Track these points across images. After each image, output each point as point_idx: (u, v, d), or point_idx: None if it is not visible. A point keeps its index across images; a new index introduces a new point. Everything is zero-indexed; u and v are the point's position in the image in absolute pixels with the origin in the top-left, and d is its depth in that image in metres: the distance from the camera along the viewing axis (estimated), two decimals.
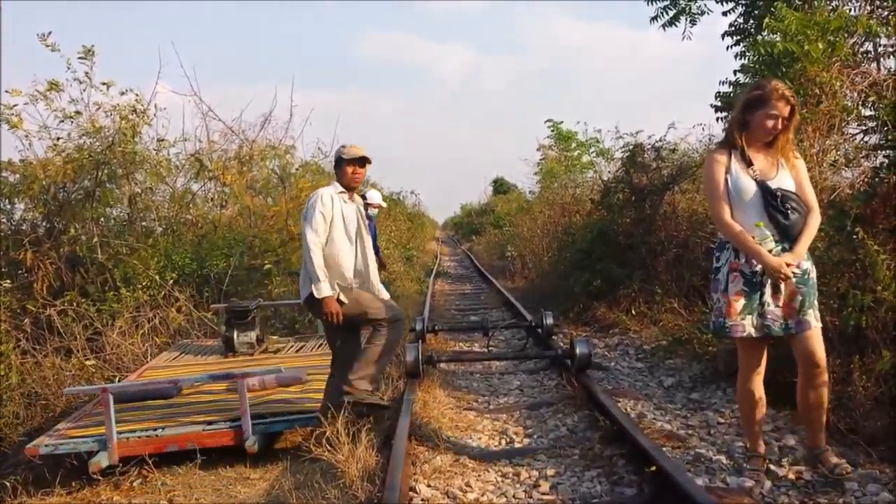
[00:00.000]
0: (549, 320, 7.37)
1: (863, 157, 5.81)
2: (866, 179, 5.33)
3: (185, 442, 4.27)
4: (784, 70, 6.21)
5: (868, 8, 6.89)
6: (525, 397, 5.75)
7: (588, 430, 4.66)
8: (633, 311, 8.28)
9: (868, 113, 6.07)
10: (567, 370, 5.97)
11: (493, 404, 5.55)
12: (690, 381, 5.69)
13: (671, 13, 8.83)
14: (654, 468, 3.53)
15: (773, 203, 3.39)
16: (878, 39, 6.77)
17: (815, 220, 3.46)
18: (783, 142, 3.49)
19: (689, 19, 8.88)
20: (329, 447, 3.95)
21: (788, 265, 3.34)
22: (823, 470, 3.50)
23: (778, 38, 6.33)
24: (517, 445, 4.54)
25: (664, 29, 8.96)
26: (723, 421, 4.63)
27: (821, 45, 5.97)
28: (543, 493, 3.70)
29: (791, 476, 3.61)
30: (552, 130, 17.31)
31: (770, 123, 3.42)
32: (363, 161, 4.84)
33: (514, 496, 3.69)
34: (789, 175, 3.48)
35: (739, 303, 3.44)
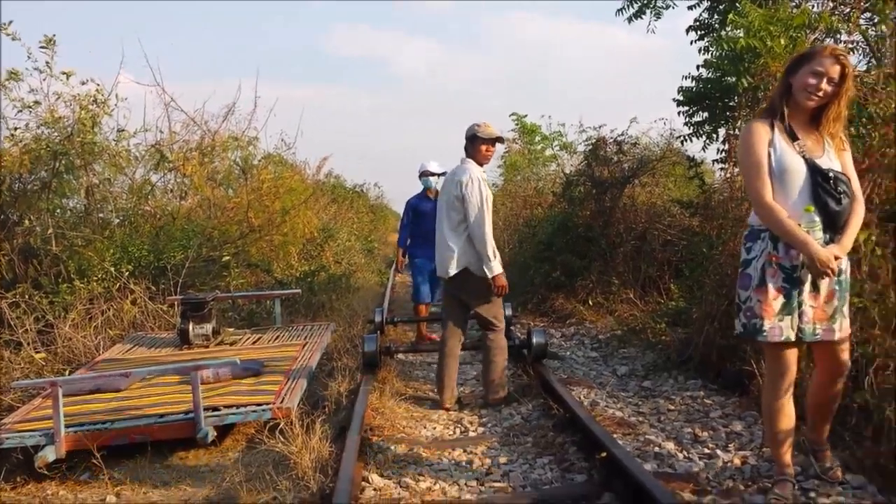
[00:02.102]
0: (508, 311, 7.38)
1: None
2: None
3: (136, 435, 4.21)
4: (747, 65, 6.29)
5: (830, 4, 6.99)
6: (481, 387, 5.77)
7: (542, 418, 4.70)
8: (591, 302, 8.39)
9: None
10: (524, 360, 6.01)
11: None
12: (643, 370, 5.77)
13: (636, 6, 8.88)
14: (604, 455, 3.57)
15: (825, 185, 2.92)
16: (839, 36, 6.87)
17: (862, 211, 3.02)
18: (833, 115, 2.99)
19: (653, 13, 8.94)
20: (282, 438, 3.94)
21: (837, 258, 2.90)
22: (815, 467, 3.28)
23: (741, 34, 6.39)
24: (471, 434, 4.56)
25: (629, 22, 9.01)
26: (673, 408, 4.70)
27: (783, 42, 6.03)
28: (495, 481, 3.72)
29: (737, 461, 3.67)
30: (516, 124, 17.32)
31: (813, 81, 2.93)
32: (495, 141, 5.17)
33: (466, 484, 3.70)
34: (836, 157, 3.03)
35: (778, 301, 2.96)
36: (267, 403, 4.47)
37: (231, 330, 6.92)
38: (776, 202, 2.95)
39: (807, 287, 2.96)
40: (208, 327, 6.39)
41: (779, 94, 3.08)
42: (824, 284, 2.95)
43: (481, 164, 5.14)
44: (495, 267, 4.96)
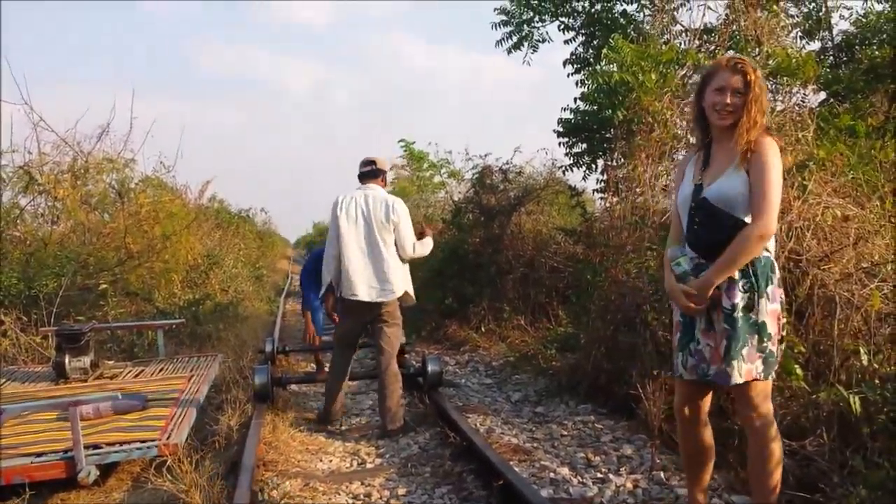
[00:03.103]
0: (402, 339, 7.37)
1: None
2: None
3: (12, 476, 3.91)
4: (620, 99, 6.60)
5: (696, 42, 7.48)
6: (377, 417, 5.71)
7: (439, 447, 4.70)
8: (483, 329, 8.51)
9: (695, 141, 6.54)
10: (419, 388, 6.02)
11: (345, 425, 5.49)
12: (536, 396, 5.89)
13: (514, 39, 9.23)
14: (501, 482, 3.62)
15: (689, 215, 2.81)
16: None
17: (743, 239, 2.64)
18: (745, 127, 2.67)
19: (530, 45, 9.32)
20: (170, 476, 3.77)
21: (689, 295, 2.74)
22: None
23: (615, 69, 6.72)
24: (369, 466, 4.51)
25: (508, 53, 9.35)
26: (566, 433, 4.82)
27: (654, 77, 6.39)
28: None
29: (629, 485, 3.80)
30: (405, 150, 17.50)
31: (717, 99, 2.73)
32: None
33: None
34: (738, 175, 2.70)
35: (676, 337, 2.90)
36: (152, 440, 4.27)
37: (111, 363, 6.58)
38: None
39: (700, 324, 2.80)
40: (86, 360, 6.04)
41: (694, 122, 2.96)
42: (715, 321, 2.74)
43: None
44: None
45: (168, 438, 4.24)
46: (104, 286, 8.43)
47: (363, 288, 5.11)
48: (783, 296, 2.80)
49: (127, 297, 8.95)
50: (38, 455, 4.10)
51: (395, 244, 5.20)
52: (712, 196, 2.73)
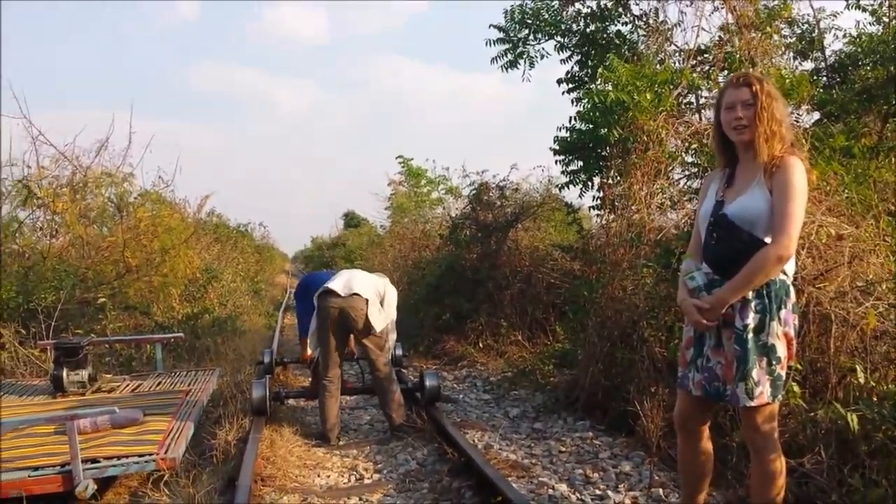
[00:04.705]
0: (399, 352, 7.39)
1: (686, 200, 6.29)
2: (689, 220, 5.77)
3: (9, 489, 3.90)
4: (616, 118, 6.65)
5: (691, 62, 7.54)
6: (375, 432, 5.74)
7: (437, 462, 4.71)
8: (481, 344, 8.51)
9: (690, 159, 6.60)
10: (417, 403, 6.02)
11: (343, 440, 5.49)
12: (534, 411, 5.90)
13: (511, 56, 9.25)
14: (499, 499, 3.62)
15: (707, 230, 2.81)
16: (699, 92, 7.39)
17: (760, 259, 2.60)
18: (763, 138, 2.67)
19: (528, 62, 9.33)
20: (168, 491, 3.77)
21: (701, 310, 2.73)
22: None
23: (610, 88, 6.76)
24: (367, 481, 4.51)
25: (505, 70, 9.35)
26: (564, 449, 4.82)
27: (649, 96, 6.43)
28: None
29: (627, 502, 3.81)
30: (402, 167, 17.56)
31: (729, 116, 2.75)
32: None
33: None
34: (761, 192, 2.68)
35: (689, 352, 2.87)
36: (150, 454, 4.25)
37: (109, 376, 6.56)
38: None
39: (710, 341, 2.78)
40: (84, 374, 6.03)
41: (715, 146, 2.95)
42: (726, 339, 2.72)
43: None
44: None
45: (166, 453, 4.23)
46: (102, 300, 8.43)
47: (338, 284, 5.46)
48: (797, 321, 2.79)
49: (125, 311, 8.94)
50: (36, 469, 4.09)
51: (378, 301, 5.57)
52: (733, 213, 2.71)
